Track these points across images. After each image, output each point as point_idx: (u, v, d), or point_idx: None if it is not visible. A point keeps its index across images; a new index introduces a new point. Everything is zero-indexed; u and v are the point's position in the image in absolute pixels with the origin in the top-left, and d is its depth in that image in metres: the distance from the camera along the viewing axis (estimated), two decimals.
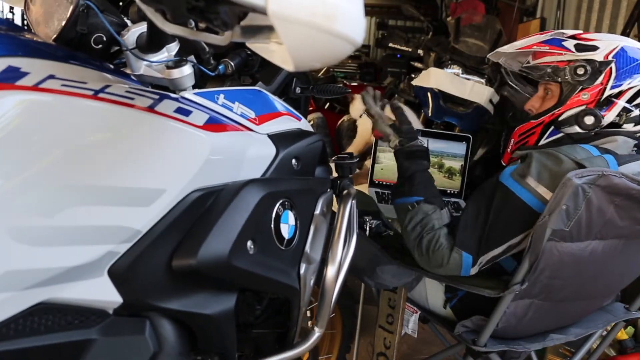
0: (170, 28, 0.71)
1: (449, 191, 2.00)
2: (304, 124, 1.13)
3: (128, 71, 0.97)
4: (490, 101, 3.25)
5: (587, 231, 1.31)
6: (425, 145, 1.62)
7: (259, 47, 0.71)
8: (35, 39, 0.90)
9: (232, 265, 0.80)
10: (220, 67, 1.05)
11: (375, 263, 1.59)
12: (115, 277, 0.73)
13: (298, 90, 1.24)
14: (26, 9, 0.99)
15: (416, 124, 2.28)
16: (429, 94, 3.15)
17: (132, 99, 0.77)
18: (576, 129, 1.46)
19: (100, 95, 0.74)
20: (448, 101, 3.15)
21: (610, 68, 1.43)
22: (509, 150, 1.61)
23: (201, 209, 0.80)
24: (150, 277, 0.76)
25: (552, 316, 1.53)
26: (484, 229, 1.38)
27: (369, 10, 7.99)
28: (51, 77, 0.72)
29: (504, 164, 1.62)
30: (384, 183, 2.00)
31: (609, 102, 1.44)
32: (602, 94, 1.44)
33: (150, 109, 0.78)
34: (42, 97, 0.69)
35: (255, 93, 1.04)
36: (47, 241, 0.66)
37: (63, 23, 0.92)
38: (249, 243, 0.84)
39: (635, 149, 1.46)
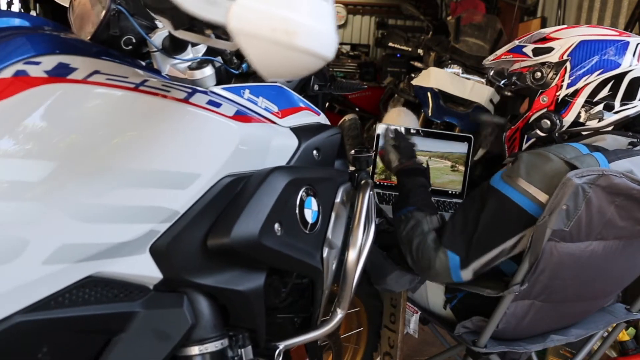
0: (179, 34, 0.77)
1: (450, 191, 1.99)
2: (323, 119, 1.19)
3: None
4: (491, 101, 3.25)
5: (587, 231, 1.29)
6: (425, 165, 1.64)
7: None
8: (76, 38, 0.97)
9: (262, 244, 0.86)
10: (243, 65, 1.12)
11: (380, 270, 1.60)
12: (156, 254, 0.80)
13: (316, 87, 1.30)
14: (70, 10, 1.06)
15: (415, 124, 2.28)
16: (429, 94, 3.12)
17: (168, 91, 0.84)
18: (538, 133, 1.48)
19: (141, 87, 0.81)
20: (448, 101, 3.14)
21: (565, 68, 1.43)
22: (507, 155, 1.63)
23: (232, 192, 0.87)
24: (188, 255, 0.83)
25: (552, 317, 1.51)
26: (474, 231, 1.35)
27: (369, 9, 7.96)
28: (97, 72, 0.79)
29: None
30: (385, 184, 2.02)
31: (566, 103, 1.43)
32: (558, 96, 1.44)
33: (186, 100, 0.85)
34: (91, 89, 0.76)
35: (277, 89, 1.11)
36: (97, 218, 0.73)
37: (96, 26, 0.99)
38: (277, 225, 0.90)
39: (630, 146, 1.41)
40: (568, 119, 1.44)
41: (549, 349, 2.12)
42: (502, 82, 1.59)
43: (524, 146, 1.54)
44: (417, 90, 3.18)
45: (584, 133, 1.44)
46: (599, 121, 1.42)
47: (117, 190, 0.75)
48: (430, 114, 3.13)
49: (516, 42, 1.57)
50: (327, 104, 4.83)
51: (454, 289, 1.58)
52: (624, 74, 1.39)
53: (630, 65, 1.39)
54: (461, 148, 1.99)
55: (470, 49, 3.40)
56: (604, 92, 1.40)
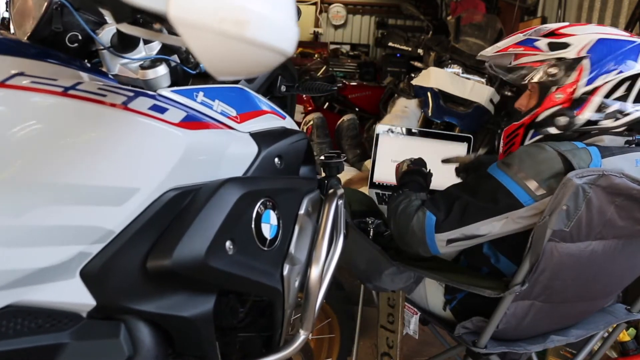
0: (124, 28, 0.69)
1: None
2: (289, 123, 1.11)
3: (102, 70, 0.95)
4: (491, 101, 3.24)
5: (587, 231, 1.30)
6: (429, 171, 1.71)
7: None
8: (9, 36, 0.88)
9: (209, 266, 0.77)
10: (201, 65, 1.04)
11: (375, 265, 1.59)
12: (88, 278, 0.71)
13: (283, 88, 1.22)
14: (10, 6, 0.97)
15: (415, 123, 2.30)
16: (429, 94, 3.14)
17: (104, 95, 0.76)
18: (553, 130, 1.43)
19: (71, 92, 0.73)
20: (448, 101, 3.15)
21: (583, 65, 1.39)
22: (501, 151, 1.60)
23: (177, 208, 0.78)
24: (125, 279, 0.74)
25: (552, 318, 1.52)
26: (457, 200, 1.39)
27: (369, 9, 7.97)
28: (20, 74, 0.71)
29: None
30: (385, 184, 1.98)
31: (583, 101, 1.39)
32: (575, 92, 1.40)
33: (124, 106, 0.76)
34: (9, 94, 0.68)
35: (237, 91, 1.02)
36: (15, 242, 0.65)
37: (37, 21, 0.90)
38: (228, 243, 0.81)
39: (626, 145, 1.42)
40: (582, 116, 1.40)
41: (549, 349, 2.15)
42: (508, 76, 1.55)
43: (527, 142, 1.50)
44: (417, 90, 3.19)
45: (593, 132, 1.41)
46: (614, 120, 1.39)
47: (39, 208, 0.66)
48: (430, 114, 3.13)
49: (521, 36, 1.51)
50: (327, 104, 4.85)
51: (454, 290, 1.58)
52: (638, 75, 1.38)
53: None
54: (461, 148, 1.98)
55: (470, 49, 3.40)
56: (620, 91, 1.38)
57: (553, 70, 1.42)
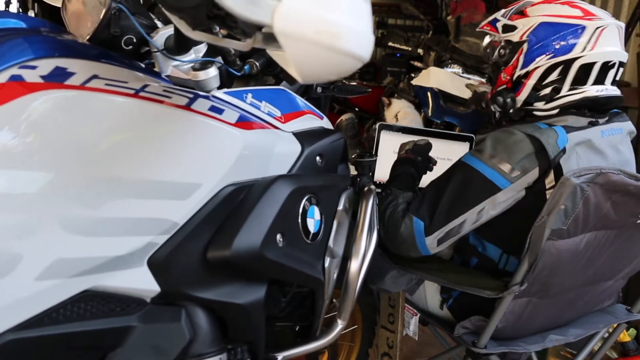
0: (194, 34, 0.74)
1: None
2: (326, 122, 1.16)
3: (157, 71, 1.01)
4: None
5: (583, 226, 1.32)
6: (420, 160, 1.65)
7: (277, 54, 0.74)
8: (72, 39, 0.93)
9: (263, 257, 0.83)
10: (245, 67, 1.09)
11: (377, 268, 1.59)
12: (154, 267, 0.77)
13: (319, 90, 1.27)
14: (63, 9, 1.02)
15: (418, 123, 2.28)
16: (429, 94, 3.12)
17: (169, 97, 0.81)
18: (495, 108, 1.52)
19: (141, 94, 0.78)
20: (448, 101, 3.13)
21: (523, 48, 1.46)
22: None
23: (234, 202, 0.84)
24: (187, 268, 0.80)
25: (550, 311, 1.52)
26: (439, 199, 1.40)
27: None
28: (95, 77, 0.76)
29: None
30: (385, 183, 1.99)
31: (519, 83, 1.47)
32: (514, 75, 1.47)
33: (187, 107, 0.82)
34: (90, 96, 0.73)
35: (280, 92, 1.08)
36: (93, 232, 0.70)
37: (96, 25, 0.95)
38: (279, 236, 0.87)
39: (590, 125, 1.46)
40: (520, 98, 1.48)
41: (549, 350, 2.13)
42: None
43: (493, 120, 1.60)
44: (417, 90, 3.17)
45: (537, 113, 1.49)
46: (545, 103, 1.46)
47: (115, 201, 0.72)
48: (430, 114, 3.12)
49: (499, 14, 1.57)
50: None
51: (449, 288, 1.58)
52: (573, 59, 1.41)
53: (582, 51, 1.40)
54: (463, 148, 1.98)
55: (470, 49, 3.38)
56: (553, 76, 1.43)
57: (502, 52, 1.51)
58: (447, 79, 3.13)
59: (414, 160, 1.60)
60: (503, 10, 1.57)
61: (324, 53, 0.57)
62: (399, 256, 1.54)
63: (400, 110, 3.27)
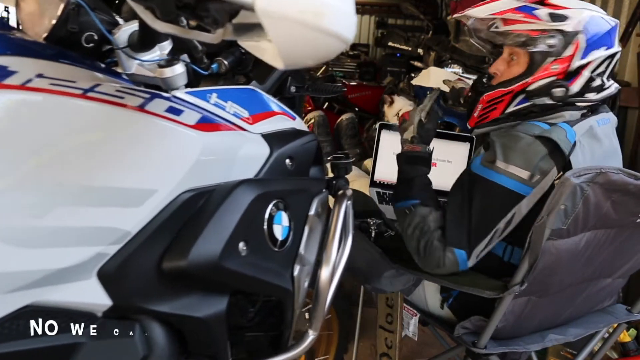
0: (160, 26, 0.70)
1: None
2: (299, 124, 1.12)
3: (120, 70, 0.96)
4: None
5: (583, 226, 1.33)
6: (431, 151, 1.63)
7: (250, 45, 0.71)
8: (25, 37, 0.88)
9: (223, 267, 0.78)
10: (213, 65, 1.04)
11: (375, 267, 1.59)
12: (105, 279, 0.72)
13: (293, 89, 1.23)
14: (17, 7, 0.98)
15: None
16: (428, 94, 3.12)
17: (122, 98, 0.76)
18: (546, 100, 1.48)
19: (90, 94, 0.73)
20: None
21: (579, 39, 1.44)
22: (475, 114, 1.61)
23: (192, 209, 0.79)
24: (140, 279, 0.75)
25: (549, 308, 1.53)
26: (470, 222, 1.41)
27: (368, 9, 7.95)
28: (40, 76, 0.71)
29: (469, 127, 1.65)
30: (385, 183, 1.98)
31: (575, 73, 1.46)
32: (571, 65, 1.45)
33: (141, 108, 0.77)
34: (30, 96, 0.68)
35: (249, 92, 1.03)
36: (35, 243, 0.65)
37: (54, 21, 0.91)
38: (241, 244, 0.82)
39: (582, 118, 1.49)
40: (573, 89, 1.48)
41: (549, 350, 2.15)
42: (494, 38, 1.57)
43: (511, 109, 1.54)
44: (417, 90, 3.18)
45: (578, 104, 1.50)
46: (596, 94, 1.49)
47: (59, 210, 0.67)
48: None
49: (515, 2, 1.50)
50: (327, 103, 4.81)
51: (448, 287, 1.59)
52: (616, 53, 1.50)
53: (618, 45, 1.51)
54: (464, 148, 1.97)
55: (470, 49, 3.38)
56: (602, 67, 1.48)
57: (552, 42, 1.45)
58: (447, 79, 3.12)
59: (423, 155, 1.58)
60: (514, 1, 1.51)
61: (307, 33, 0.56)
62: (398, 255, 1.55)
63: (402, 109, 3.27)
